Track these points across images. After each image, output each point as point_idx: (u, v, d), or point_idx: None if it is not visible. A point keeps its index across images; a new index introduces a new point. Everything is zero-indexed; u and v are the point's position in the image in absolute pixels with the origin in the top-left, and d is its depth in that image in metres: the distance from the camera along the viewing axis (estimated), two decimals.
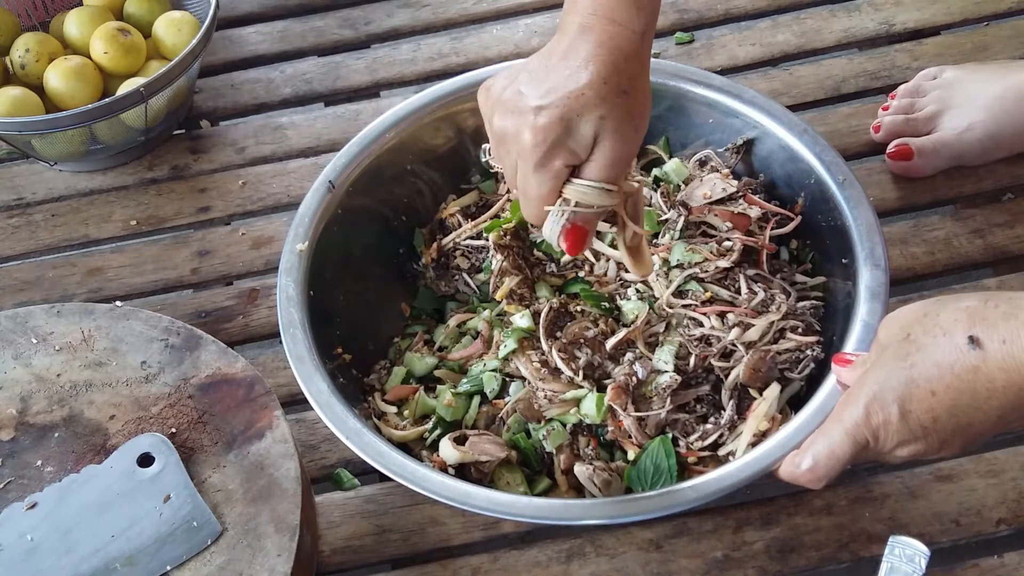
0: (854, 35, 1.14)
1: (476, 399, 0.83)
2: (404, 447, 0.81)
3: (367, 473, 0.85)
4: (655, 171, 0.94)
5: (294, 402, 0.88)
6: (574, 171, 0.72)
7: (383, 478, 0.84)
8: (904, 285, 0.94)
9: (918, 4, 1.15)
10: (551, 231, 0.73)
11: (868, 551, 0.79)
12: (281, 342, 0.81)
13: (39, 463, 0.74)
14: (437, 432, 0.82)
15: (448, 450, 0.79)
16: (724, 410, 0.79)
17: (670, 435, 0.78)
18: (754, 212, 0.88)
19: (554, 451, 0.80)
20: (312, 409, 0.77)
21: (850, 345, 0.77)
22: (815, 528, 0.80)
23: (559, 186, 0.72)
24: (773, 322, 0.81)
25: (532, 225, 0.81)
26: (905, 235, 0.96)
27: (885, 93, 1.07)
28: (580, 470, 0.78)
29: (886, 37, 1.14)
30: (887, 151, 1.00)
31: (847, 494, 0.81)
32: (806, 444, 0.68)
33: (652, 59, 1.04)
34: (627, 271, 0.82)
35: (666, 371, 0.80)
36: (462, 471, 0.79)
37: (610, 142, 0.70)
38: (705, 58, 1.13)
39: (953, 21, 1.14)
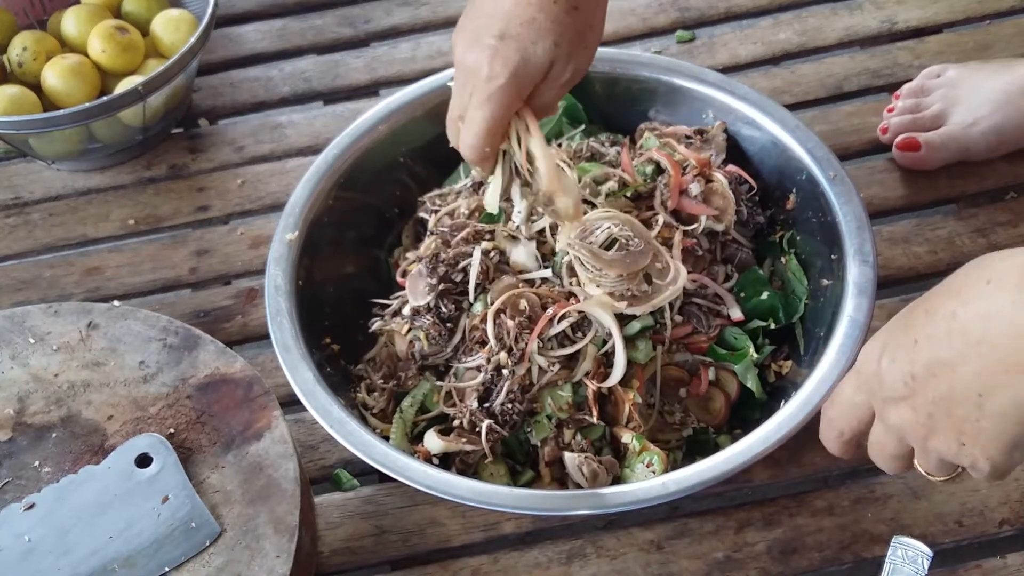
0: (856, 33, 1.13)
1: None
2: (389, 438, 0.81)
3: (366, 474, 0.85)
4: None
5: (293, 402, 0.88)
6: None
7: (383, 479, 0.84)
8: (907, 284, 0.94)
9: (920, 2, 1.15)
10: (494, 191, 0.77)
11: (870, 552, 0.78)
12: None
13: (37, 464, 0.74)
14: (422, 425, 0.82)
15: (433, 440, 0.79)
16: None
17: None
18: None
19: (539, 444, 0.80)
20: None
21: (836, 340, 0.77)
22: (817, 529, 0.80)
23: (508, 117, 0.74)
24: None
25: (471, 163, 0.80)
26: (908, 234, 0.96)
27: (887, 91, 1.07)
28: (570, 457, 0.78)
29: (888, 35, 1.13)
30: (895, 143, 1.00)
31: (849, 495, 0.81)
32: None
33: (648, 55, 1.05)
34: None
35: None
36: (446, 462, 0.80)
37: (562, 66, 0.74)
38: (707, 56, 1.13)
39: (955, 19, 1.14)
